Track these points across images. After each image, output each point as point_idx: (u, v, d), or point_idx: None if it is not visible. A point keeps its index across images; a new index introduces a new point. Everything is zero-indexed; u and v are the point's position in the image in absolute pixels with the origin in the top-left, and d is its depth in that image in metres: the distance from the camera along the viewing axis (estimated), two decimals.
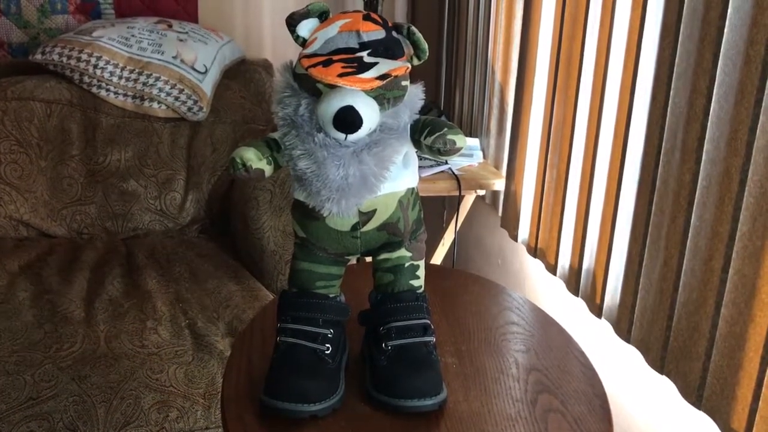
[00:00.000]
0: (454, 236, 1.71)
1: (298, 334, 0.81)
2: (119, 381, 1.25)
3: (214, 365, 1.31)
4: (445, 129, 0.76)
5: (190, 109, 1.91)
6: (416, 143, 0.79)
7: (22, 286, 1.50)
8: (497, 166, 1.68)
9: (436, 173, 1.64)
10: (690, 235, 0.96)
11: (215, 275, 1.63)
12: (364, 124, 0.73)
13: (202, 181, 1.93)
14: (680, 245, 0.99)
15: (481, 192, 1.71)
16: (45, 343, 1.31)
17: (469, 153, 1.72)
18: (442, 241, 1.85)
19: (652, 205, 1.05)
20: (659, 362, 1.04)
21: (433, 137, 0.76)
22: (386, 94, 0.75)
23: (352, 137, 0.74)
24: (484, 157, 1.75)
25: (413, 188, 0.84)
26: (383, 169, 0.77)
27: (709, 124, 0.92)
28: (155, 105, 1.92)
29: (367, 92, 0.73)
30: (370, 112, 0.73)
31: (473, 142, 1.75)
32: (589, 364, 0.90)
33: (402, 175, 0.81)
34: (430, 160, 1.66)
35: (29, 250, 1.68)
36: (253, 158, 0.76)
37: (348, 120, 0.72)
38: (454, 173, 1.62)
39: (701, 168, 0.93)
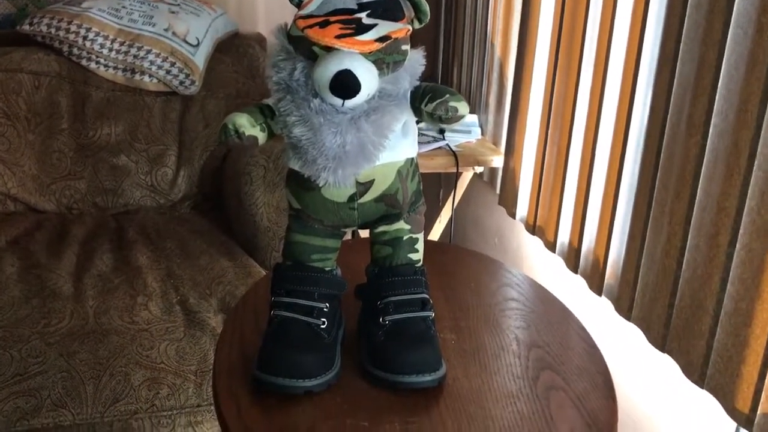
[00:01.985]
0: (451, 213, 1.69)
1: (292, 308, 0.78)
2: (108, 357, 1.22)
3: (206, 342, 1.29)
4: (447, 95, 0.73)
5: (182, 82, 1.87)
6: (416, 111, 0.75)
7: (9, 261, 1.46)
8: (495, 143, 1.65)
9: (433, 149, 1.61)
10: (695, 210, 0.94)
11: (207, 251, 1.60)
12: (362, 90, 0.70)
13: (194, 157, 1.90)
14: (684, 221, 0.96)
15: (479, 169, 1.68)
16: (33, 318, 1.28)
17: (467, 129, 1.69)
18: (438, 219, 1.82)
19: (656, 181, 1.02)
20: (661, 340, 1.02)
21: (434, 104, 0.73)
22: (385, 59, 0.71)
23: (349, 103, 0.71)
24: (482, 133, 1.72)
25: (413, 158, 0.81)
26: (382, 138, 0.74)
27: (717, 96, 0.89)
28: (146, 78, 1.87)
29: (366, 56, 0.70)
30: (368, 77, 0.70)
31: (471, 118, 1.72)
32: (591, 341, 0.88)
33: (401, 145, 0.78)
34: (427, 136, 1.63)
35: (17, 225, 1.65)
36: (246, 125, 0.73)
37: (345, 84, 0.69)
38: (451, 149, 1.59)
39: (708, 141, 0.91)
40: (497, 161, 1.59)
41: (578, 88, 1.22)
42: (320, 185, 0.75)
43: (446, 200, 1.77)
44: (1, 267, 1.44)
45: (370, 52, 0.70)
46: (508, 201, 1.53)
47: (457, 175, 1.61)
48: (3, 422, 1.14)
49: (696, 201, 0.93)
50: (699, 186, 0.92)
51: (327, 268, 0.82)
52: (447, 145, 1.60)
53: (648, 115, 1.03)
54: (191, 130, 1.90)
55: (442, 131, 1.65)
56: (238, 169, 1.72)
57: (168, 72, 1.85)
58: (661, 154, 1.00)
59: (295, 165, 0.76)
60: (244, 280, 1.49)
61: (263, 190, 1.62)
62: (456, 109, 0.73)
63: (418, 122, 0.80)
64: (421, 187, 0.84)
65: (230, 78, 1.96)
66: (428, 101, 0.73)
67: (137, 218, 1.77)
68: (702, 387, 0.94)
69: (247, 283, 1.47)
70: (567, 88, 1.26)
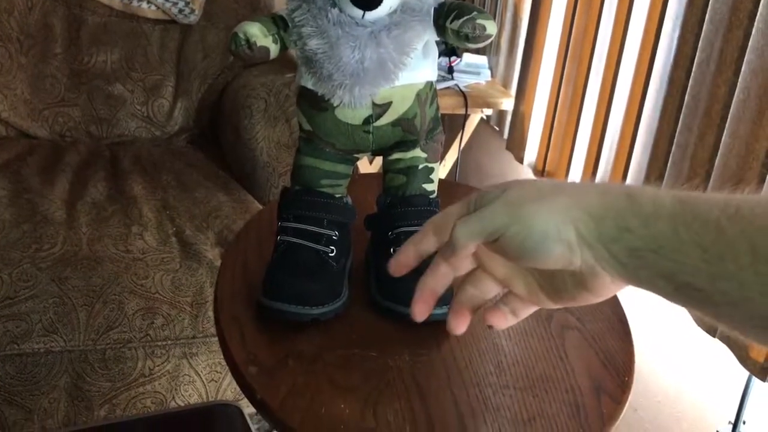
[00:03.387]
0: (457, 156, 1.64)
1: (300, 234, 0.74)
2: (102, 285, 1.19)
3: (202, 274, 1.25)
4: (475, 13, 0.68)
5: (181, 11, 1.80)
6: (440, 29, 0.71)
7: (1, 185, 1.42)
8: (506, 85, 1.60)
9: (441, 89, 1.55)
10: (719, 153, 0.90)
11: (204, 185, 1.55)
12: (384, 1, 0.65)
13: (192, 89, 1.84)
14: (707, 164, 0.93)
15: (488, 111, 1.63)
16: (24, 242, 1.24)
17: (476, 70, 1.64)
18: (443, 163, 1.78)
19: (678, 123, 0.98)
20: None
21: (461, 21, 0.68)
22: None
23: (370, 15, 0.66)
24: (492, 76, 1.67)
25: (432, 82, 0.76)
26: (403, 55, 0.69)
27: (753, 30, 0.84)
28: (144, 5, 1.80)
29: None
30: None
31: (481, 59, 1.66)
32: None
33: (422, 66, 0.73)
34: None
35: (8, 149, 1.59)
36: (258, 34, 0.68)
37: None
38: (461, 90, 1.54)
39: (740, 80, 0.87)
40: (507, 104, 1.54)
41: (599, 25, 1.17)
42: (334, 104, 0.70)
43: (450, 144, 1.73)
44: None
45: None
46: (517, 145, 1.49)
47: (466, 116, 1.57)
48: None
49: (722, 143, 0.89)
50: (726, 127, 0.88)
51: (337, 195, 0.78)
52: (456, 85, 1.55)
53: (674, 51, 0.99)
54: (189, 61, 1.84)
55: (450, 70, 1.60)
56: (237, 102, 1.66)
57: None
58: (686, 94, 0.96)
59: (308, 82, 0.72)
60: (241, 215, 1.45)
61: (263, 125, 1.57)
62: (484, 28, 0.68)
63: (449, 46, 0.75)
64: (440, 114, 0.80)
65: (231, 8, 1.89)
66: (454, 18, 0.68)
67: (132, 149, 1.72)
68: (714, 336, 0.91)
69: (245, 218, 1.43)
70: (588, 23, 1.21)
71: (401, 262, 0.53)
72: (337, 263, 0.75)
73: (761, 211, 0.33)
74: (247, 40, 0.68)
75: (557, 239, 0.40)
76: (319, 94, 0.71)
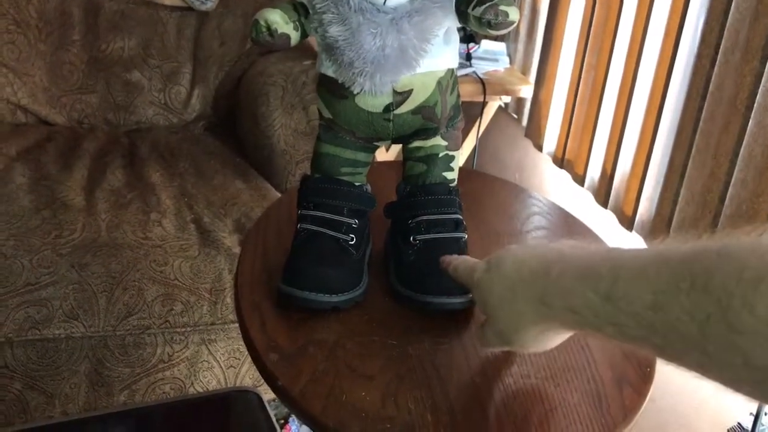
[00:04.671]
0: (475, 143, 1.63)
1: (320, 222, 0.74)
2: (121, 271, 1.19)
3: (221, 261, 1.26)
4: None
5: None
6: (462, 15, 0.70)
7: (20, 171, 1.43)
8: (525, 72, 1.58)
9: (459, 76, 1.54)
10: (744, 143, 0.89)
11: (222, 172, 1.56)
12: None
13: (209, 76, 1.84)
14: (732, 154, 0.91)
15: (506, 99, 1.62)
16: (43, 228, 1.25)
17: (494, 57, 1.62)
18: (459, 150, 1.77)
19: (702, 111, 0.97)
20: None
21: (483, 7, 0.67)
22: None
23: (392, 2, 0.66)
24: (511, 63, 1.66)
25: (453, 69, 0.75)
26: (424, 42, 0.68)
27: None
28: None
29: None
30: None
31: (500, 46, 1.65)
32: None
33: (443, 53, 0.73)
34: None
35: (27, 136, 1.60)
36: (279, 21, 0.68)
37: None
38: (479, 77, 1.53)
39: (766, 69, 0.85)
40: (526, 91, 1.53)
41: (621, 11, 1.15)
42: (355, 92, 0.70)
43: (468, 131, 1.72)
44: (11, 177, 1.40)
45: None
46: (535, 133, 1.48)
47: (484, 104, 1.55)
48: (15, 330, 1.13)
49: (747, 132, 0.88)
50: (752, 117, 0.87)
51: (357, 183, 0.78)
52: (474, 72, 1.54)
53: (699, 39, 0.97)
54: (206, 48, 1.84)
55: (468, 57, 1.58)
56: (254, 89, 1.66)
57: None
58: (711, 83, 0.94)
59: (328, 70, 0.71)
60: (259, 203, 1.45)
61: (281, 112, 1.57)
62: (506, 14, 0.67)
63: (467, 32, 0.75)
64: (460, 102, 0.79)
65: None
66: (476, 4, 0.67)
67: (149, 136, 1.73)
68: None
69: (263, 206, 1.44)
70: (609, 10, 1.19)
71: None
72: (357, 251, 0.75)
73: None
74: (268, 27, 0.67)
75: (541, 334, 0.54)
76: (340, 81, 0.70)
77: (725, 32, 0.92)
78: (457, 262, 0.65)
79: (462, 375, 0.64)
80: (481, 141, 1.97)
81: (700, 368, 0.39)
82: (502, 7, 0.67)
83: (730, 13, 0.91)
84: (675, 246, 0.41)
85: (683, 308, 0.38)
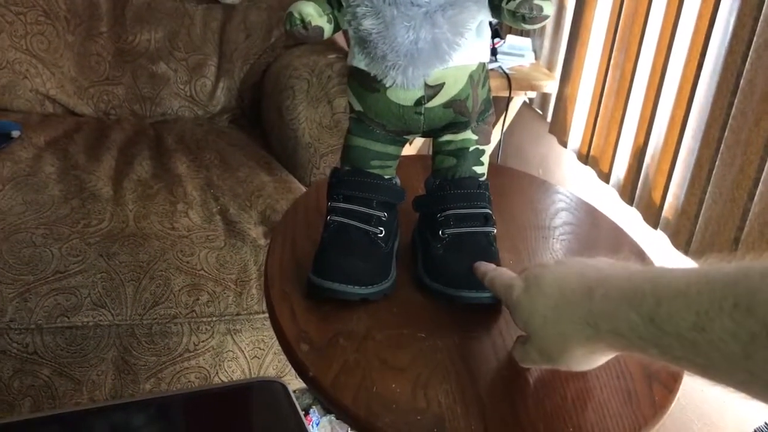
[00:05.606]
0: (499, 138, 1.63)
1: (350, 215, 0.74)
2: (149, 261, 1.21)
3: (246, 252, 1.27)
4: None
5: None
6: (495, 9, 0.70)
7: (49, 161, 1.45)
8: (550, 68, 1.58)
9: None
10: None
11: (247, 164, 1.57)
12: None
13: (234, 69, 1.85)
14: (762, 150, 0.91)
15: (531, 94, 1.62)
16: (72, 218, 1.27)
17: (519, 52, 1.62)
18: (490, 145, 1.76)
19: (732, 108, 0.96)
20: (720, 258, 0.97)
21: (518, 1, 0.67)
22: None
23: None
24: (536, 58, 1.65)
25: (484, 63, 0.75)
26: (457, 36, 0.68)
27: None
28: None
29: None
30: None
31: (525, 42, 1.64)
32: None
33: (475, 47, 0.73)
34: None
35: (56, 126, 1.62)
36: (313, 14, 0.68)
37: None
38: (504, 72, 1.52)
39: None
40: (551, 87, 1.53)
41: (650, 6, 1.14)
42: (387, 85, 0.70)
43: (492, 126, 1.71)
44: (40, 166, 1.42)
45: None
46: (560, 129, 1.47)
47: (509, 99, 1.55)
48: (45, 317, 1.14)
49: None
50: None
51: (386, 176, 0.78)
52: (500, 67, 1.54)
53: (730, 34, 0.96)
54: (232, 41, 1.85)
55: (494, 51, 1.58)
56: (280, 82, 1.67)
57: None
58: (742, 77, 0.94)
59: (361, 63, 0.72)
60: (284, 195, 1.46)
61: (306, 105, 1.58)
62: (541, 8, 0.67)
63: (493, 27, 0.75)
64: (491, 96, 0.79)
65: None
66: None
67: (175, 128, 1.74)
68: None
69: (287, 198, 1.45)
70: (638, 5, 1.18)
71: None
72: (386, 244, 0.75)
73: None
74: (302, 20, 0.68)
75: (587, 355, 0.54)
76: (372, 74, 0.70)
77: (758, 27, 0.91)
78: (493, 274, 0.64)
79: (491, 368, 0.64)
80: (505, 136, 1.97)
81: (743, 387, 0.39)
82: (537, 1, 0.67)
83: (764, 8, 0.90)
84: (718, 266, 0.42)
85: (726, 329, 0.38)
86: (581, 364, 0.56)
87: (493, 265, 0.67)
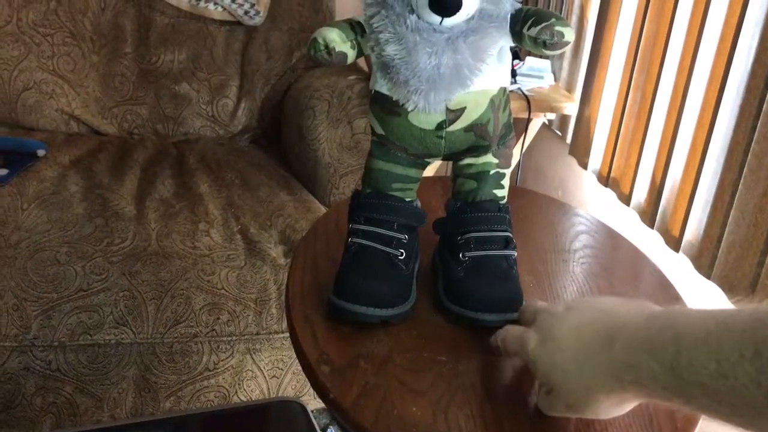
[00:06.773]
0: (519, 159, 1.63)
1: (371, 237, 0.75)
2: (170, 280, 1.22)
3: (266, 272, 1.28)
4: (553, 19, 0.68)
5: (246, 12, 1.83)
6: (517, 35, 0.70)
7: (74, 180, 1.47)
8: (570, 90, 1.58)
9: None
10: None
11: (267, 184, 1.58)
12: (462, 8, 0.65)
13: (256, 89, 1.87)
14: None
15: (551, 116, 1.62)
16: (96, 236, 1.28)
17: (539, 74, 1.62)
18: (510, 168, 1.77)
19: (755, 132, 0.96)
20: (746, 301, 0.97)
21: (539, 28, 0.68)
22: None
23: (448, 21, 0.66)
24: (555, 80, 1.65)
25: (505, 88, 0.76)
26: (479, 61, 0.69)
27: None
28: (211, 6, 1.84)
29: None
30: None
31: (544, 63, 1.65)
32: (676, 294, 0.83)
33: (496, 71, 0.73)
34: None
35: (80, 145, 1.65)
36: (337, 40, 0.69)
37: (446, 1, 0.64)
38: (524, 93, 1.53)
39: None
40: (570, 108, 1.53)
41: (671, 29, 1.15)
42: (409, 109, 0.71)
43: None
44: (65, 185, 1.44)
45: None
46: (580, 151, 1.47)
47: (528, 120, 1.55)
48: (67, 335, 1.16)
49: None
50: None
51: (407, 199, 0.79)
52: (519, 89, 1.54)
53: (753, 58, 0.96)
54: (254, 63, 1.87)
55: (513, 73, 1.59)
56: (300, 103, 1.69)
57: (233, 1, 1.81)
58: (765, 101, 0.93)
59: (383, 87, 0.72)
60: (304, 215, 1.47)
61: (326, 125, 1.59)
62: (562, 35, 0.68)
63: (512, 49, 0.75)
64: (512, 120, 0.80)
65: (295, 10, 1.92)
66: (532, 25, 0.68)
67: (197, 147, 1.77)
68: None
69: (308, 218, 1.46)
70: (659, 28, 1.18)
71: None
72: (406, 266, 0.75)
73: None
74: (326, 46, 0.69)
75: (614, 404, 0.54)
76: (394, 99, 0.71)
77: None
78: (503, 334, 0.64)
79: (512, 393, 0.64)
80: (525, 157, 1.97)
81: None
82: (558, 28, 0.67)
83: None
84: (736, 311, 0.42)
85: (748, 376, 0.38)
86: (609, 412, 0.56)
87: (503, 328, 0.66)
